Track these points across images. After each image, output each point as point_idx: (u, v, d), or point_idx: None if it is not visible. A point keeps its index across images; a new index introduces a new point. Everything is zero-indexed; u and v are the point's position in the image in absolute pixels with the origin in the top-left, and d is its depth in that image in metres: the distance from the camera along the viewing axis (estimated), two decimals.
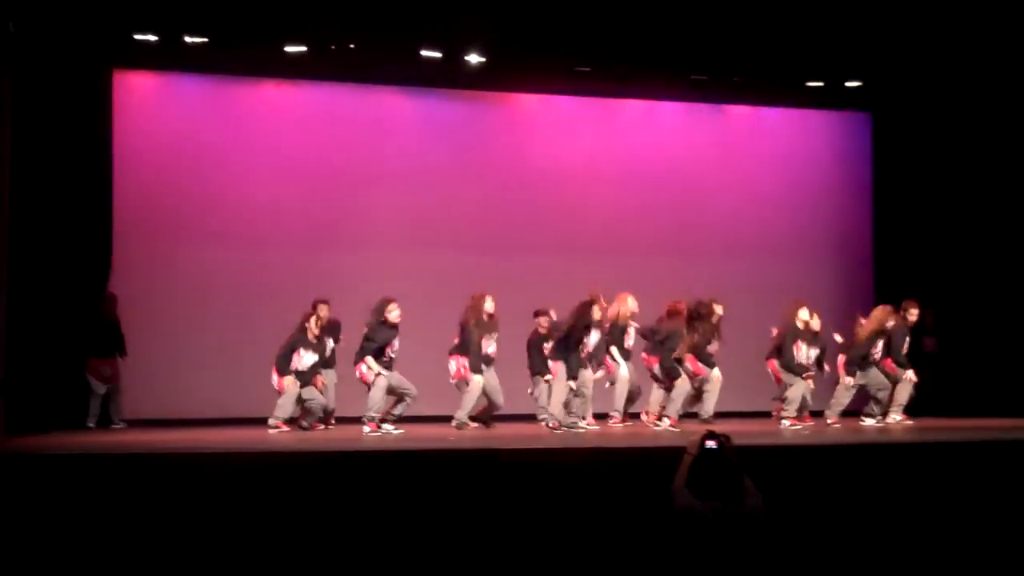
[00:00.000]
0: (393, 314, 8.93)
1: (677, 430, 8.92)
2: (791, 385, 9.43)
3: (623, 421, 9.64)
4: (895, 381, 9.73)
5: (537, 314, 9.54)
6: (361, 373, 8.85)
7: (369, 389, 8.80)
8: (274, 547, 5.27)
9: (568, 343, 9.25)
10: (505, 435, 8.33)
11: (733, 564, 4.17)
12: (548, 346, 9.39)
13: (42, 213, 9.38)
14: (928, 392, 10.17)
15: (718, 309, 9.66)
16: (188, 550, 5.24)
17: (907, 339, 9.83)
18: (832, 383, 9.82)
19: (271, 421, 8.91)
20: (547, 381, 9.26)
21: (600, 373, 9.59)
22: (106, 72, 10.31)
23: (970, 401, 10.74)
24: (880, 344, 9.67)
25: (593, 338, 9.35)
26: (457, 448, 7.05)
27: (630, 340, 9.76)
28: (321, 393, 9.13)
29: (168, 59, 10.37)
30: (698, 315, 9.53)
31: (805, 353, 9.47)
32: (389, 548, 5.26)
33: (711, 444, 4.41)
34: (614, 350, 9.62)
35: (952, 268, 10.67)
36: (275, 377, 9.05)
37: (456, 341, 9.28)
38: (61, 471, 5.81)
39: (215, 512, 5.41)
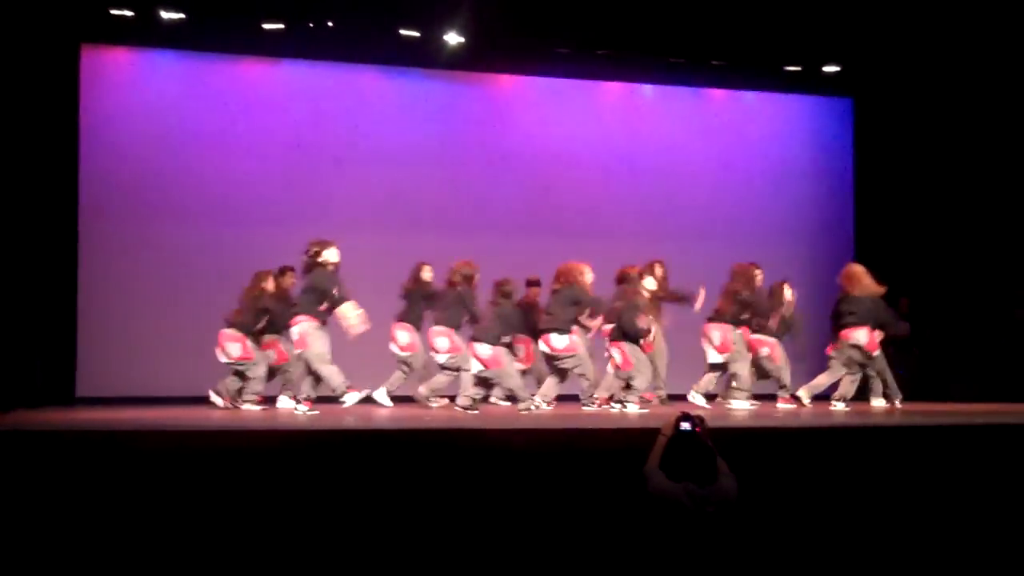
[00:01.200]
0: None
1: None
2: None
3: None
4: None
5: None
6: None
7: None
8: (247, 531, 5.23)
9: None
10: (471, 416, 8.29)
11: (706, 546, 4.17)
12: None
13: (4, 191, 9.26)
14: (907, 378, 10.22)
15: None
16: (159, 531, 5.19)
17: None
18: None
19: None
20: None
21: None
22: (74, 47, 10.18)
23: (949, 387, 10.83)
24: None
25: None
26: (423, 428, 6.98)
27: None
28: None
29: (142, 35, 10.27)
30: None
31: None
32: (345, 533, 5.22)
33: (686, 426, 4.42)
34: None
35: (934, 255, 10.71)
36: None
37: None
38: (25, 449, 5.73)
39: (193, 493, 5.35)
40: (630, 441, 5.46)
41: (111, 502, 5.26)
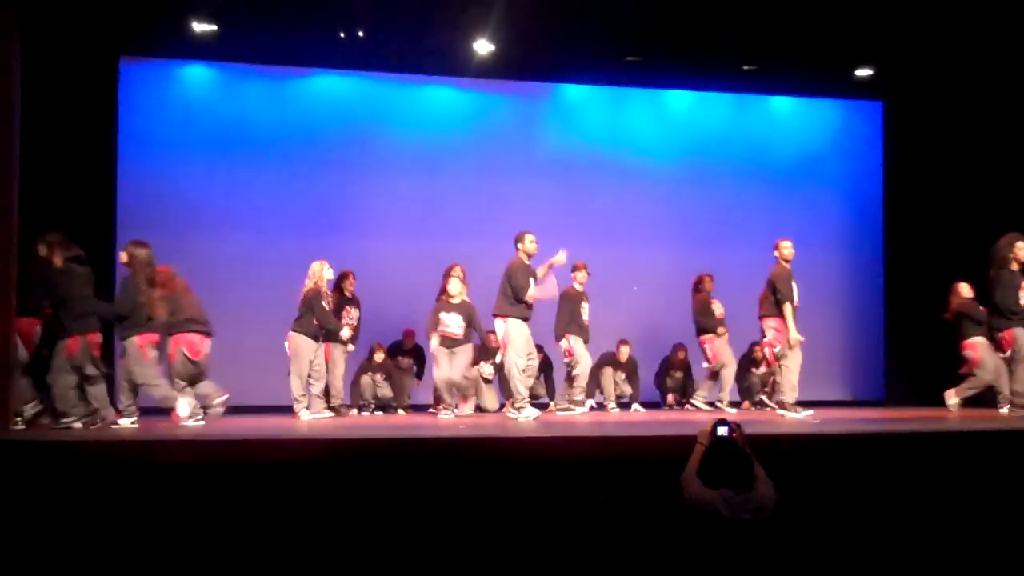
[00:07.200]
0: None
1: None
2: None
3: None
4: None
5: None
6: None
7: None
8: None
9: None
10: (501, 424, 8.25)
11: (744, 554, 4.14)
12: None
13: (47, 201, 9.39)
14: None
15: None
16: (189, 545, 5.21)
17: None
18: None
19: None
20: None
21: None
22: (113, 59, 10.38)
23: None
24: None
25: None
26: (453, 436, 6.90)
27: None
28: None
29: (177, 47, 10.41)
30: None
31: None
32: (375, 545, 5.20)
33: (723, 431, 4.40)
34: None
35: (965, 260, 10.54)
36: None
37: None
38: (74, 459, 5.77)
39: (225, 509, 5.36)
40: (666, 449, 5.42)
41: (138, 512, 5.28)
